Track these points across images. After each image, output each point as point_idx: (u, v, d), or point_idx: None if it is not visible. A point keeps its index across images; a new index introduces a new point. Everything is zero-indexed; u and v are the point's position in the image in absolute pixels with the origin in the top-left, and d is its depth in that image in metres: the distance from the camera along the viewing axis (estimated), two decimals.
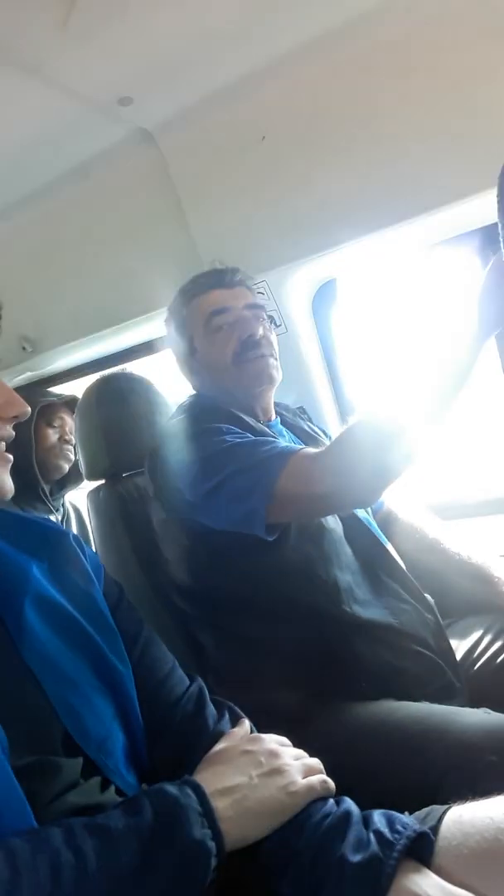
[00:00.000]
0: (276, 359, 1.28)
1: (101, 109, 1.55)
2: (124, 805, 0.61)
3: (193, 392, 1.36)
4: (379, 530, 1.29)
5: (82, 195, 1.78)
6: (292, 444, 1.14)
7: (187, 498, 1.11)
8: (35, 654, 0.69)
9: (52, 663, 0.69)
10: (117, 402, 1.46)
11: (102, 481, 1.46)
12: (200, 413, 1.21)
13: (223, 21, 1.32)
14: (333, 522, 1.20)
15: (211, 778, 0.64)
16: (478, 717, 0.95)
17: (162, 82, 1.49)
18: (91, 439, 1.46)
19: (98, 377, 1.53)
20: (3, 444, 0.71)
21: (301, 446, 1.11)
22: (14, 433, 0.73)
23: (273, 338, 1.30)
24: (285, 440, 1.26)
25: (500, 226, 0.80)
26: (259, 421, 1.26)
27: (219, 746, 0.70)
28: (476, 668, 1.20)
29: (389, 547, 1.27)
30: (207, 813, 0.60)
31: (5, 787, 0.58)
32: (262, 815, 0.63)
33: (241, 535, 1.07)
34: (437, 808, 0.69)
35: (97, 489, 1.44)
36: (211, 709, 0.78)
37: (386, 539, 1.29)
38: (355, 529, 1.22)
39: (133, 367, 2.03)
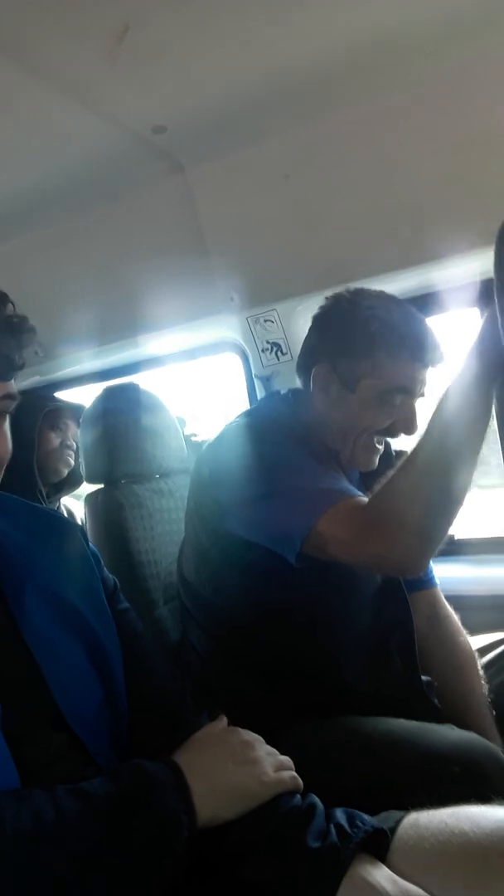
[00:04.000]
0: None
1: (135, 136, 1.64)
2: (105, 775, 0.65)
3: (295, 401, 1.25)
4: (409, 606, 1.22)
5: (109, 214, 1.86)
6: (352, 488, 1.08)
7: (228, 499, 1.09)
8: (34, 635, 0.74)
9: (49, 644, 0.74)
10: (124, 412, 1.52)
11: (101, 486, 1.51)
12: (293, 436, 1.14)
13: (256, 68, 1.42)
14: (366, 582, 1.16)
15: (188, 760, 0.69)
16: (444, 730, 0.99)
17: (195, 116, 1.58)
18: (95, 444, 1.52)
19: (108, 386, 1.60)
20: None
21: (359, 494, 1.06)
22: None
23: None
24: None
25: (495, 280, 0.85)
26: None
27: (198, 734, 0.75)
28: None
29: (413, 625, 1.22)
30: (182, 788, 0.64)
31: None
32: (233, 799, 0.67)
33: (267, 558, 1.05)
34: (396, 812, 0.73)
35: (96, 493, 1.50)
36: (191, 702, 0.83)
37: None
38: (391, 596, 1.19)
39: (138, 379, 2.10)
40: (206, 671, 1.20)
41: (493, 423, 1.73)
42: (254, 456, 1.10)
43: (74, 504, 2.18)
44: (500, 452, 1.67)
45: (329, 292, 1.69)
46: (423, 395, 1.17)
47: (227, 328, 1.89)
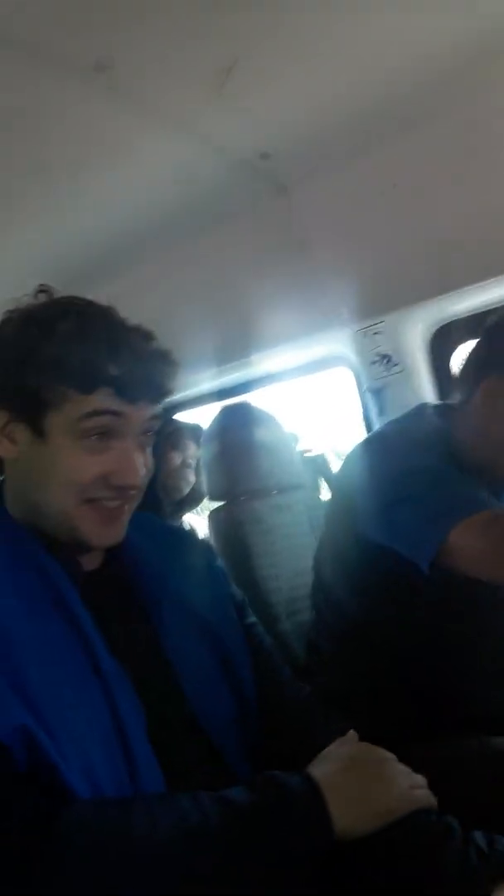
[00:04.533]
0: None
1: (242, 163, 1.70)
2: (244, 784, 0.68)
3: (448, 413, 1.22)
4: None
5: (218, 239, 1.93)
6: (493, 502, 1.07)
7: (366, 502, 1.09)
8: (172, 649, 0.78)
9: (185, 658, 0.79)
10: (240, 430, 1.58)
11: (222, 503, 1.57)
12: (441, 447, 1.13)
13: (356, 85, 1.44)
14: None
15: (323, 774, 0.70)
16: None
17: (297, 139, 1.62)
18: (214, 462, 1.58)
19: (224, 406, 1.66)
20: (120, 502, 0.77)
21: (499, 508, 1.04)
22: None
23: None
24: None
25: None
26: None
27: (331, 748, 0.76)
28: None
29: None
30: (319, 802, 0.66)
31: (144, 755, 0.68)
32: (369, 814, 0.68)
33: (402, 565, 1.04)
34: None
35: (217, 509, 1.55)
36: (322, 717, 0.85)
37: None
38: None
39: (253, 398, 2.16)
40: (332, 680, 1.20)
41: None
42: (396, 461, 1.10)
43: (196, 521, 2.26)
44: None
45: (437, 300, 1.68)
46: None
47: (336, 342, 1.90)
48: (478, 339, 1.21)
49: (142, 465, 0.76)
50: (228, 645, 0.83)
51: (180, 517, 2.15)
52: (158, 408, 0.78)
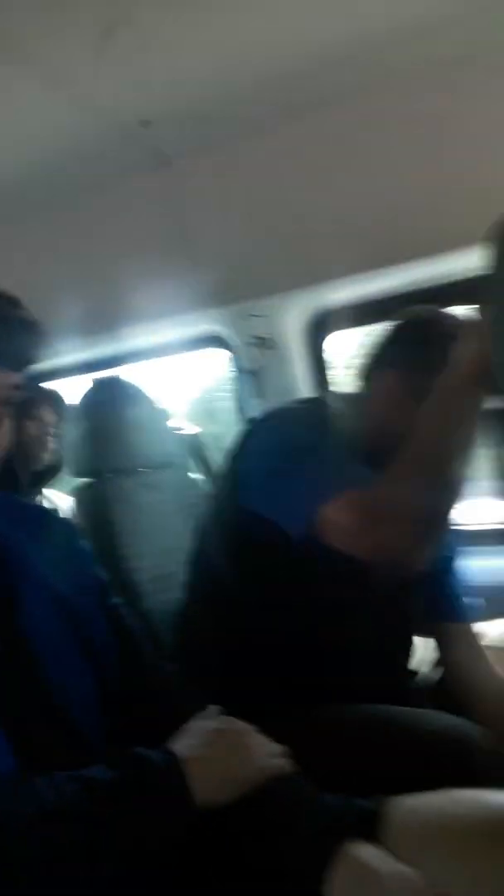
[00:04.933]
0: None
1: (122, 129, 1.63)
2: (103, 763, 0.67)
3: (345, 400, 1.29)
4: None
5: (96, 206, 1.86)
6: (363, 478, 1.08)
7: (249, 472, 1.13)
8: (32, 630, 0.75)
9: (45, 638, 0.76)
10: (110, 405, 1.53)
11: (88, 480, 1.52)
12: (317, 417, 1.19)
13: (245, 64, 1.43)
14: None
15: (183, 747, 0.70)
16: (433, 715, 1.02)
17: (181, 110, 1.59)
18: (81, 438, 1.52)
19: (93, 379, 1.60)
20: None
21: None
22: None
23: None
24: None
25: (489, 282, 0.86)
26: None
27: (192, 723, 0.76)
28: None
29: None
30: (179, 775, 0.66)
31: None
32: (228, 783, 0.69)
33: (280, 536, 1.06)
34: (388, 797, 0.76)
35: (84, 486, 1.50)
36: (184, 695, 0.85)
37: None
38: (400, 615, 1.21)
39: (124, 372, 2.10)
40: (196, 655, 1.22)
41: None
42: (283, 436, 1.14)
43: (56, 495, 2.17)
44: None
45: (314, 289, 1.73)
46: None
47: (213, 322, 1.90)
48: (385, 334, 1.26)
49: None
50: (90, 626, 0.81)
51: (40, 489, 2.05)
52: (19, 376, 0.73)
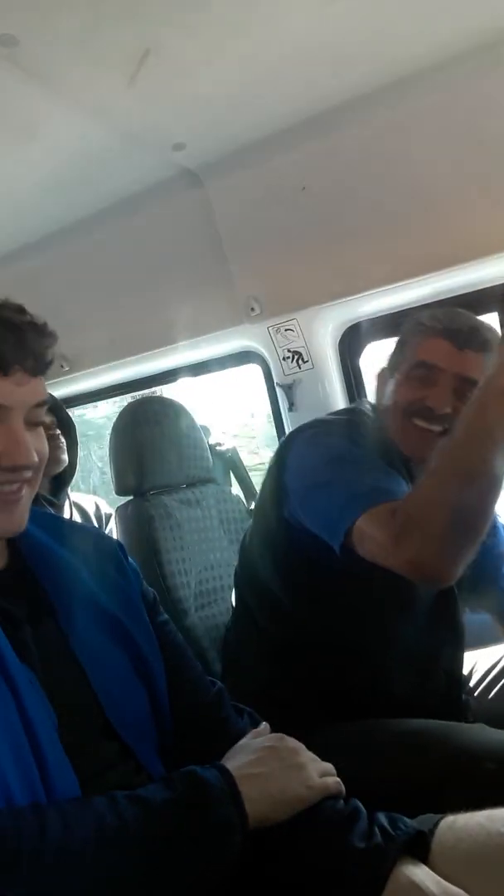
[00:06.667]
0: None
1: (156, 152, 1.68)
2: (160, 781, 0.68)
3: (366, 406, 1.31)
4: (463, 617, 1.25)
5: (130, 227, 1.90)
6: (399, 489, 1.09)
7: (292, 485, 1.14)
8: (83, 648, 0.77)
9: (96, 656, 0.78)
10: (151, 424, 1.56)
11: (130, 497, 1.55)
12: (352, 425, 1.21)
13: (272, 85, 1.46)
14: (423, 596, 1.18)
15: (237, 765, 0.71)
16: (475, 730, 1.01)
17: (213, 132, 1.62)
18: (123, 456, 1.55)
19: (133, 398, 1.63)
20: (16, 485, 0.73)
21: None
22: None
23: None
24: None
25: None
26: (409, 472, 1.20)
27: (244, 741, 0.77)
28: (479, 692, 1.27)
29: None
30: (234, 794, 0.67)
31: (57, 759, 0.66)
32: (282, 803, 0.70)
33: (325, 550, 1.06)
34: (434, 815, 0.76)
35: (126, 504, 1.53)
36: (232, 710, 0.86)
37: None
38: (444, 616, 1.21)
39: (163, 391, 2.14)
40: (241, 664, 1.23)
41: None
42: (321, 448, 1.14)
43: (81, 498, 2.15)
44: None
45: (347, 300, 1.73)
46: (463, 381, 1.15)
47: (248, 338, 1.92)
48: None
49: (32, 443, 0.73)
50: (140, 643, 0.82)
51: (64, 493, 2.04)
52: (42, 384, 0.75)
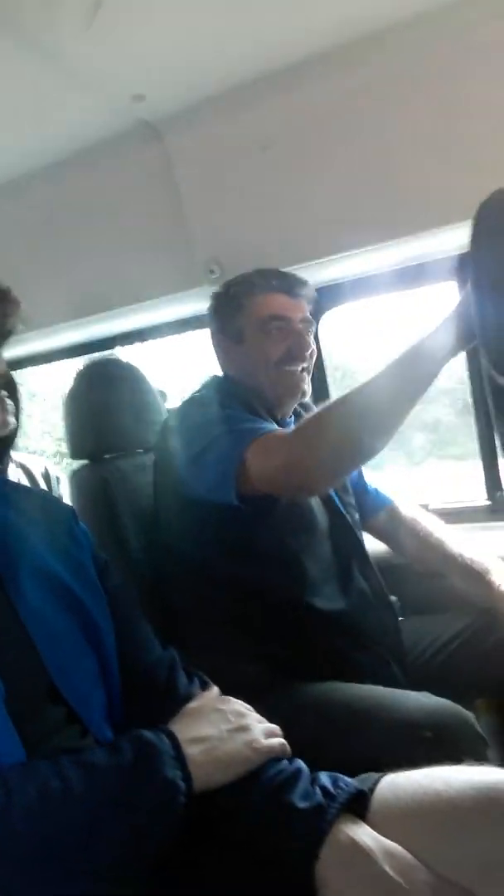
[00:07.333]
0: (309, 374, 1.36)
1: (113, 103, 1.61)
2: (107, 746, 0.69)
3: (221, 374, 1.42)
4: (360, 533, 1.39)
5: (87, 181, 1.83)
6: (273, 428, 1.21)
7: (182, 463, 1.21)
8: (30, 616, 0.76)
9: (44, 622, 0.77)
10: (107, 387, 1.53)
11: (86, 461, 1.52)
12: (220, 393, 1.30)
13: (238, 40, 1.40)
14: (320, 517, 1.30)
15: (184, 728, 0.73)
16: (417, 698, 1.05)
17: (175, 85, 1.56)
18: (78, 420, 1.53)
19: (89, 360, 1.60)
20: None
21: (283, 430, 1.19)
22: None
23: (312, 354, 1.35)
24: None
25: (471, 252, 0.86)
26: (275, 419, 1.32)
27: (192, 704, 0.78)
28: (423, 661, 1.31)
29: (369, 548, 1.38)
30: (180, 757, 0.68)
31: (2, 725, 0.66)
32: (228, 765, 0.72)
33: (228, 511, 1.14)
34: (374, 774, 0.78)
35: (80, 469, 1.51)
36: (182, 673, 0.87)
37: (382, 540, 1.47)
38: (340, 528, 1.33)
39: (119, 353, 2.09)
40: (187, 631, 1.24)
41: (469, 396, 1.76)
42: (194, 419, 1.24)
43: (27, 459, 2.12)
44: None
45: (309, 264, 1.71)
46: (306, 322, 1.34)
47: (207, 301, 1.88)
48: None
49: None
50: (90, 609, 0.82)
51: (8, 456, 1.98)
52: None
